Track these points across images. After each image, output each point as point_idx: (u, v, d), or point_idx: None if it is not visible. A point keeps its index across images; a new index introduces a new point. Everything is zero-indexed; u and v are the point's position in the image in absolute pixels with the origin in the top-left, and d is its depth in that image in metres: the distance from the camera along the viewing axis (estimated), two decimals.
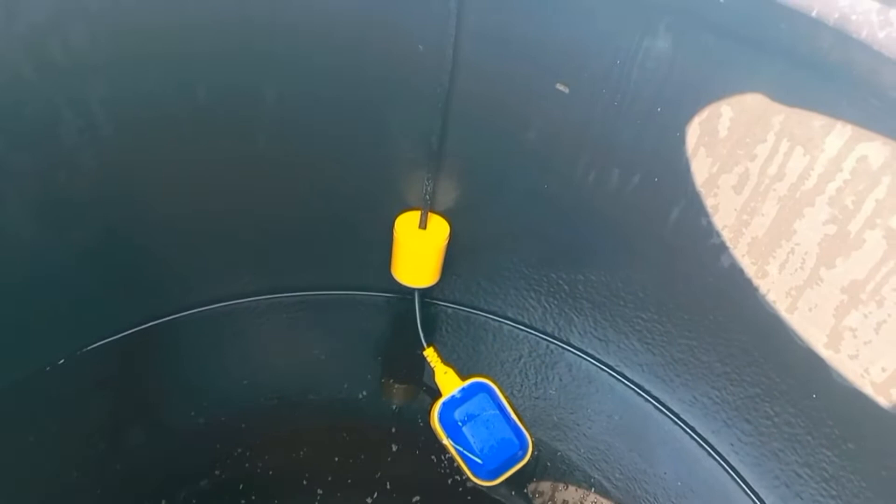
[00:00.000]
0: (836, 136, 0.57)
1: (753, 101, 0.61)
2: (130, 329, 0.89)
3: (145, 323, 0.90)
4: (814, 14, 0.47)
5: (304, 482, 0.78)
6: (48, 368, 0.83)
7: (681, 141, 0.68)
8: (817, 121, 0.58)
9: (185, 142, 0.76)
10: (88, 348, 0.86)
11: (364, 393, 0.89)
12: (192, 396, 0.85)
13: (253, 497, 0.76)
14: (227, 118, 0.76)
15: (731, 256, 0.71)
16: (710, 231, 0.71)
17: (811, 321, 0.67)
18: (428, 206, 0.85)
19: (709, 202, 0.70)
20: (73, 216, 0.75)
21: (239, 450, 0.80)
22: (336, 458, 0.81)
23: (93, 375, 0.84)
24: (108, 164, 0.73)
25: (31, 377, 0.82)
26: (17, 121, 0.64)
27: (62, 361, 0.84)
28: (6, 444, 0.76)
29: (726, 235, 0.70)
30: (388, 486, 0.79)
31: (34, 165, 0.69)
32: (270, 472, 0.79)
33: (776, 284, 0.68)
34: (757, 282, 0.70)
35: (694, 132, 0.67)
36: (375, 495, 0.78)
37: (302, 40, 0.71)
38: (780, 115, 0.60)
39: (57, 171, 0.70)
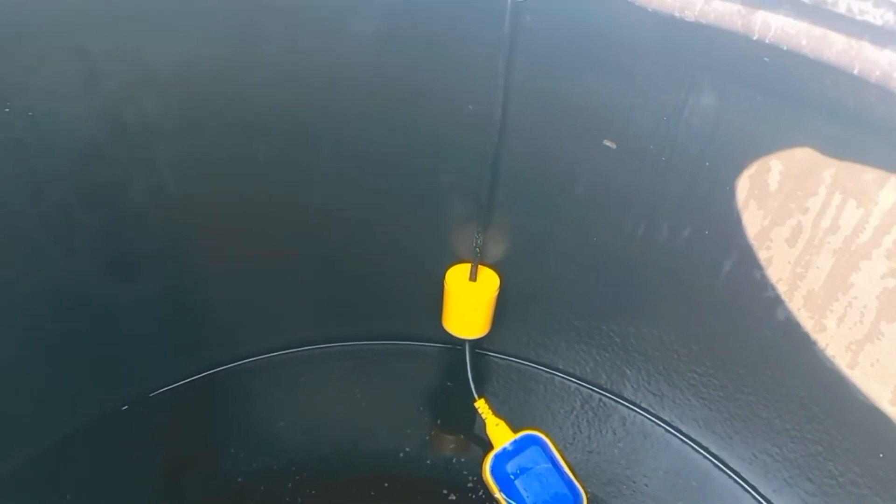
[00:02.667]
0: (891, 188, 0.56)
1: (803, 156, 0.61)
2: (187, 378, 0.93)
3: (201, 372, 0.94)
4: (856, 72, 0.47)
5: None
6: (110, 415, 0.87)
7: (730, 195, 0.68)
8: (869, 174, 0.57)
9: (243, 199, 0.80)
10: (148, 396, 0.90)
11: (415, 444, 0.90)
12: (244, 444, 0.87)
13: None
14: (284, 176, 0.80)
15: (786, 310, 0.70)
16: (764, 284, 0.70)
17: (874, 377, 0.64)
18: (478, 259, 0.86)
19: (762, 255, 0.69)
20: (138, 270, 0.79)
21: (289, 498, 0.81)
22: None
23: (152, 422, 0.88)
24: (171, 222, 0.78)
25: (96, 423, 0.86)
26: (91, 182, 0.70)
27: (124, 409, 0.88)
28: (70, 487, 0.80)
29: (781, 289, 0.69)
30: None
31: (104, 223, 0.74)
32: None
33: (835, 339, 0.67)
34: (815, 336, 0.68)
35: (744, 186, 0.67)
36: None
37: (356, 100, 0.75)
38: (830, 169, 0.60)
39: (125, 229, 0.75)
